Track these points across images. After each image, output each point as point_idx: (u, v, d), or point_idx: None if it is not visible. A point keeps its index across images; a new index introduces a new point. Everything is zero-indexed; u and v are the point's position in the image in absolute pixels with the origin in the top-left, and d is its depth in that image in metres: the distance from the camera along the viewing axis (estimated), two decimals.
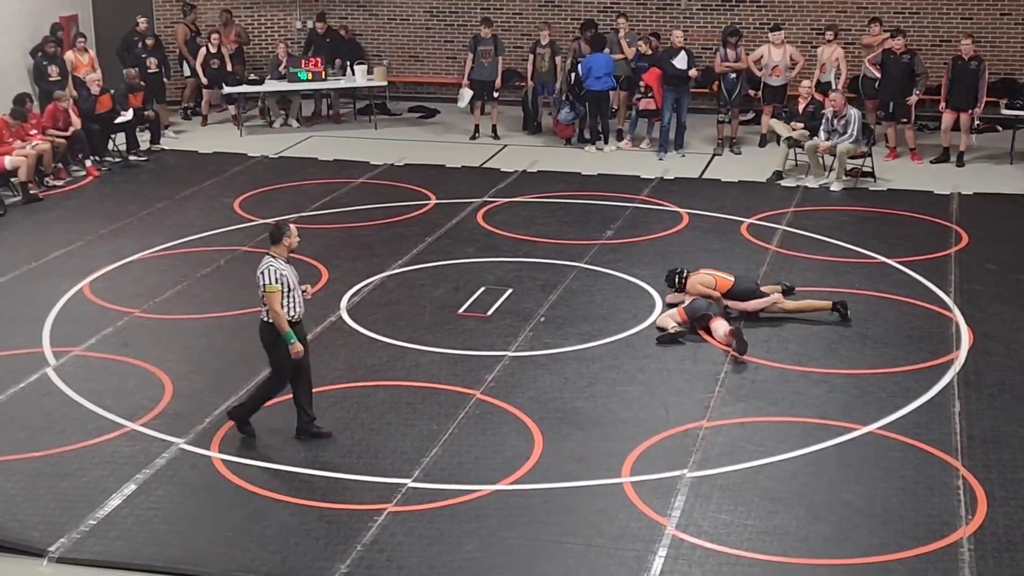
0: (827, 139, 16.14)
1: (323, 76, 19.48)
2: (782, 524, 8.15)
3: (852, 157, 16.16)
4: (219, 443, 9.30)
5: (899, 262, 13.12)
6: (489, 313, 11.83)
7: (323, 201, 15.60)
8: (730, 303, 11.52)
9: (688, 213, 14.92)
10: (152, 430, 9.52)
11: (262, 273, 8.99)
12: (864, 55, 17.79)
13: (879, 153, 17.15)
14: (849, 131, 15.98)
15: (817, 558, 7.77)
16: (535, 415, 9.69)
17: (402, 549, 7.89)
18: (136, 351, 11.03)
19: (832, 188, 16.05)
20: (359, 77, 19.62)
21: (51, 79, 17.97)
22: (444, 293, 12.40)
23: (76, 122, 16.89)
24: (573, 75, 18.00)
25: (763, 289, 11.74)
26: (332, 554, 7.84)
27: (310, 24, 21.56)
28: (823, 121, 16.20)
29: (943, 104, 17.03)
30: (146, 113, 18.11)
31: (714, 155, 17.91)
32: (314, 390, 9.88)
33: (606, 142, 18.33)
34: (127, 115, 17.55)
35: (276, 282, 8.95)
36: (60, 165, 16.71)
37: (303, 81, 19.42)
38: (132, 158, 17.66)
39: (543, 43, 18.80)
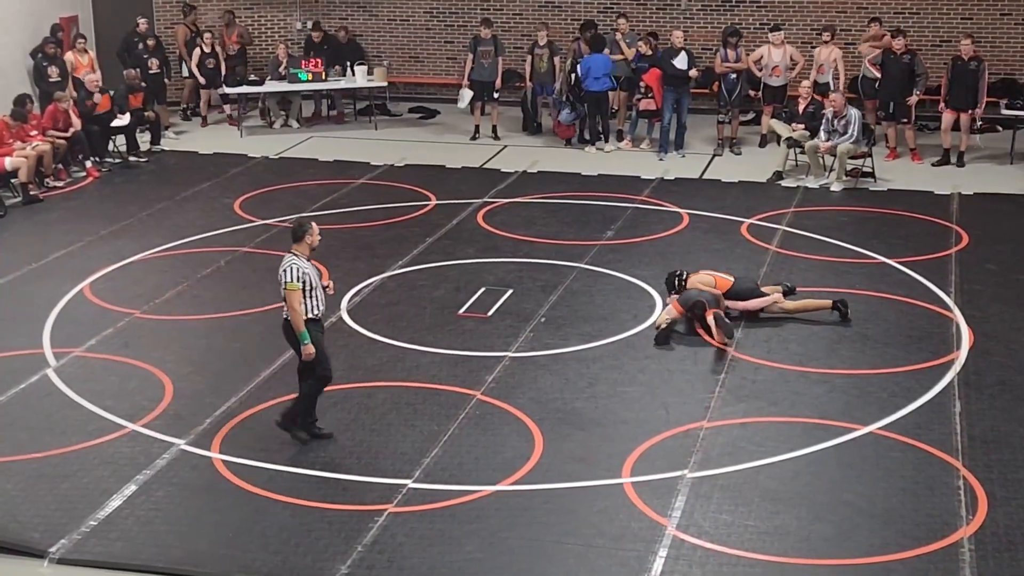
0: (827, 139, 16.14)
1: (323, 77, 19.49)
2: (783, 524, 8.15)
3: (852, 157, 16.17)
4: (219, 444, 9.30)
5: (899, 262, 13.12)
6: (489, 314, 11.83)
7: (323, 202, 15.61)
8: (730, 303, 11.52)
9: (688, 213, 14.92)
10: (153, 431, 9.52)
11: (285, 271, 8.97)
12: (867, 55, 17.76)
13: (879, 153, 17.15)
14: (849, 131, 15.99)
15: (818, 558, 7.77)
16: (536, 416, 9.69)
17: (403, 550, 7.89)
18: (136, 352, 11.03)
19: (832, 188, 16.05)
20: (359, 78, 19.63)
21: (51, 80, 17.97)
22: (444, 294, 12.40)
23: (76, 123, 16.90)
24: (573, 76, 18.00)
25: (763, 289, 11.74)
26: (332, 555, 7.84)
27: (309, 25, 21.58)
28: (823, 121, 16.20)
29: (942, 105, 17.03)
30: (146, 114, 18.11)
31: (714, 155, 17.91)
32: None
33: (606, 142, 18.33)
34: (123, 119, 17.53)
35: (298, 280, 8.94)
36: (60, 166, 16.71)
37: (303, 82, 19.43)
38: (132, 159, 17.66)
39: (541, 44, 18.81)
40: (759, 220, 14.65)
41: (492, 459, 9.03)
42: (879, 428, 9.44)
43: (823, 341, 11.16)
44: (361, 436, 9.40)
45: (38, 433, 9.52)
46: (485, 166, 17.49)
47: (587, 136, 18.44)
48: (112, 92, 17.71)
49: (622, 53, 18.37)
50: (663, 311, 11.41)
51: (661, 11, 20.42)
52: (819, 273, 12.80)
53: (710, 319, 11.09)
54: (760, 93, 18.15)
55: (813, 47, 18.57)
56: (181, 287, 12.66)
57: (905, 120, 17.35)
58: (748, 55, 18.10)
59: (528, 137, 19.21)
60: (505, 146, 18.63)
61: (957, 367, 10.52)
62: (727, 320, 10.84)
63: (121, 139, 17.74)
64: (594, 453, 9.12)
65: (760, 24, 19.79)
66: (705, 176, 16.90)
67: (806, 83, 17.17)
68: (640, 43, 18.20)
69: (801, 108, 16.86)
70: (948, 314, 11.71)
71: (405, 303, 12.22)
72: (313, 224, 9.25)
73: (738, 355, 10.82)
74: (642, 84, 17.94)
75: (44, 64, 18.14)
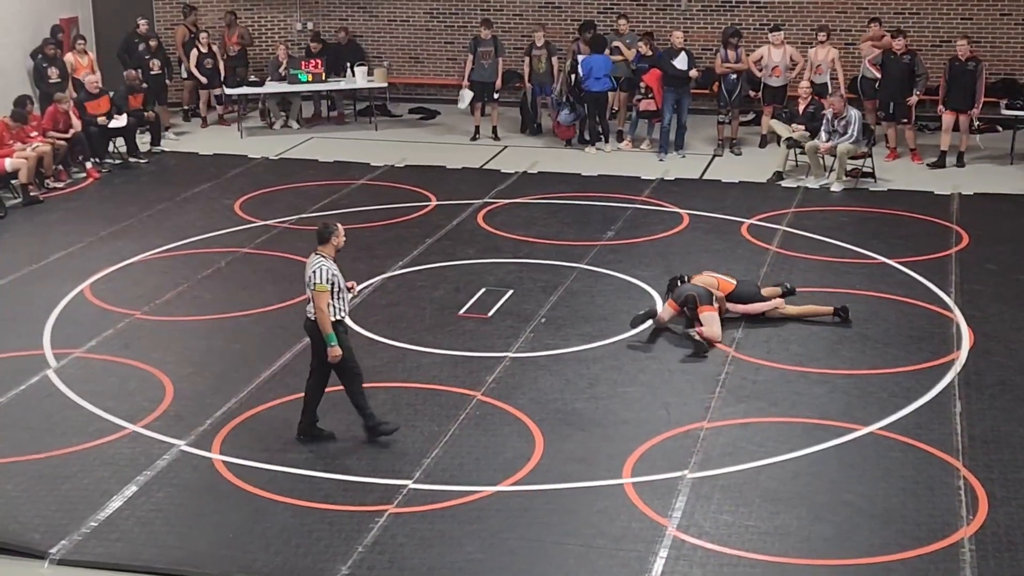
0: (827, 140, 16.14)
1: (323, 78, 19.49)
2: (783, 524, 8.15)
3: (852, 158, 16.16)
4: (220, 444, 9.30)
5: (900, 262, 13.12)
6: (490, 314, 11.84)
7: (324, 203, 15.61)
8: (731, 306, 11.51)
9: (688, 214, 14.92)
10: (153, 432, 9.52)
11: (315, 272, 8.95)
12: (867, 55, 17.76)
13: (879, 153, 17.15)
14: (849, 132, 15.99)
15: (818, 558, 7.77)
16: (536, 416, 9.69)
17: (403, 550, 7.89)
18: (137, 353, 11.03)
19: (832, 189, 16.05)
20: (359, 78, 19.64)
21: (51, 81, 17.98)
22: (445, 294, 12.40)
23: (76, 124, 16.90)
24: (573, 76, 18.00)
25: (764, 292, 11.74)
26: (333, 555, 7.84)
27: (310, 25, 21.60)
28: (823, 122, 16.20)
29: (941, 106, 17.01)
30: (146, 115, 18.11)
31: (714, 156, 17.91)
32: None
33: (606, 143, 18.33)
34: (120, 120, 17.51)
35: (327, 282, 8.94)
36: (60, 167, 16.71)
37: (303, 83, 19.43)
38: (132, 160, 17.65)
39: (538, 44, 18.82)
40: (759, 220, 14.65)
41: (492, 460, 9.03)
42: (879, 428, 9.44)
43: (823, 341, 11.16)
44: (361, 437, 9.39)
45: (38, 434, 9.52)
46: (485, 167, 17.49)
47: (587, 136, 18.44)
48: (112, 93, 17.71)
49: (621, 54, 18.35)
50: (661, 311, 11.39)
51: (661, 11, 20.43)
52: (819, 273, 12.80)
53: (703, 315, 11.08)
54: (760, 93, 18.15)
55: (813, 47, 18.55)
56: (181, 288, 12.66)
57: (905, 120, 17.35)
58: (748, 55, 18.10)
59: (528, 138, 19.21)
60: (505, 147, 18.63)
61: (957, 367, 10.52)
62: (703, 340, 10.88)
63: (121, 140, 17.72)
64: (594, 453, 9.12)
65: (760, 24, 19.79)
66: (705, 176, 16.90)
67: (805, 83, 17.16)
68: (640, 43, 18.21)
69: (801, 108, 16.85)
70: (948, 314, 11.71)
71: (405, 304, 12.22)
72: (339, 225, 9.25)
73: (739, 355, 10.83)
74: (642, 84, 17.95)
75: (44, 65, 18.15)
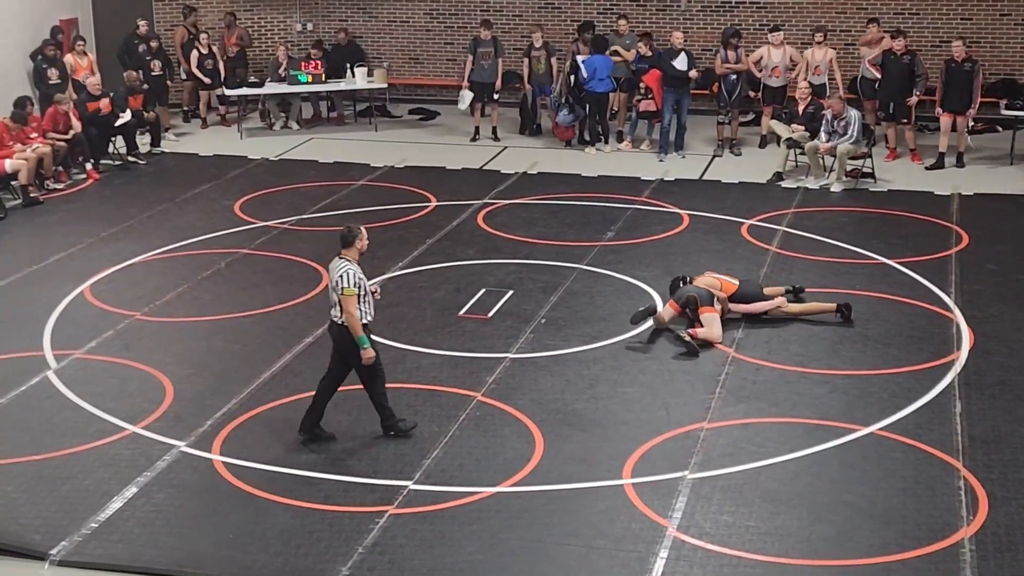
0: (827, 140, 16.14)
1: (323, 79, 19.50)
2: (784, 525, 8.15)
3: (852, 158, 16.16)
4: (220, 445, 9.30)
5: (900, 263, 13.12)
6: (490, 315, 11.84)
7: (323, 203, 15.61)
8: (734, 306, 11.51)
9: (688, 214, 14.92)
10: (153, 433, 9.52)
11: (342, 276, 8.95)
12: (866, 55, 17.76)
13: (879, 154, 17.16)
14: (849, 132, 15.98)
15: (819, 559, 7.77)
16: (536, 417, 9.69)
17: (403, 551, 7.89)
18: (137, 354, 11.03)
19: (832, 189, 16.05)
20: (359, 79, 19.65)
21: (51, 82, 17.98)
22: (445, 295, 12.40)
23: (76, 125, 16.90)
24: (572, 77, 18.00)
25: (767, 291, 11.71)
26: (333, 556, 7.84)
27: (310, 27, 21.61)
28: (823, 122, 16.20)
29: (938, 108, 16.99)
30: (146, 115, 18.12)
31: (714, 156, 17.91)
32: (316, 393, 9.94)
33: (606, 143, 18.34)
34: (125, 116, 17.54)
35: (355, 285, 8.95)
36: (60, 168, 16.72)
37: (303, 84, 19.44)
38: (131, 159, 17.64)
39: (537, 45, 18.82)
40: (759, 221, 14.65)
41: (493, 460, 9.03)
42: (880, 429, 9.44)
43: (824, 342, 11.16)
44: (362, 438, 9.40)
45: (39, 435, 9.51)
46: (485, 167, 17.49)
47: (587, 137, 18.44)
48: (112, 94, 17.71)
49: (620, 55, 18.34)
50: (662, 311, 11.40)
51: (661, 12, 20.43)
52: (819, 274, 12.80)
53: (704, 316, 11.09)
54: (760, 94, 18.15)
55: (808, 48, 18.50)
56: (181, 289, 12.66)
57: (905, 121, 17.35)
58: (748, 56, 18.10)
59: (528, 138, 19.22)
60: (505, 147, 18.64)
61: (958, 367, 10.52)
62: (692, 341, 10.89)
63: (121, 141, 17.73)
64: (595, 454, 9.12)
65: (760, 25, 19.79)
66: (705, 177, 16.90)
67: (804, 84, 17.15)
68: (640, 44, 18.21)
69: (801, 109, 16.85)
70: (948, 314, 11.70)
71: (405, 304, 12.22)
72: (362, 228, 9.28)
73: (739, 356, 10.83)
74: (642, 85, 17.95)
75: (44, 66, 18.15)
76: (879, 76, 17.38)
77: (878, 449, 9.16)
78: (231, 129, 19.88)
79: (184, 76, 20.26)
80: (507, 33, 20.74)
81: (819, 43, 17.77)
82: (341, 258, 9.12)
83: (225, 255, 13.66)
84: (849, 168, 16.22)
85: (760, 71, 17.96)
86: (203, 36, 19.80)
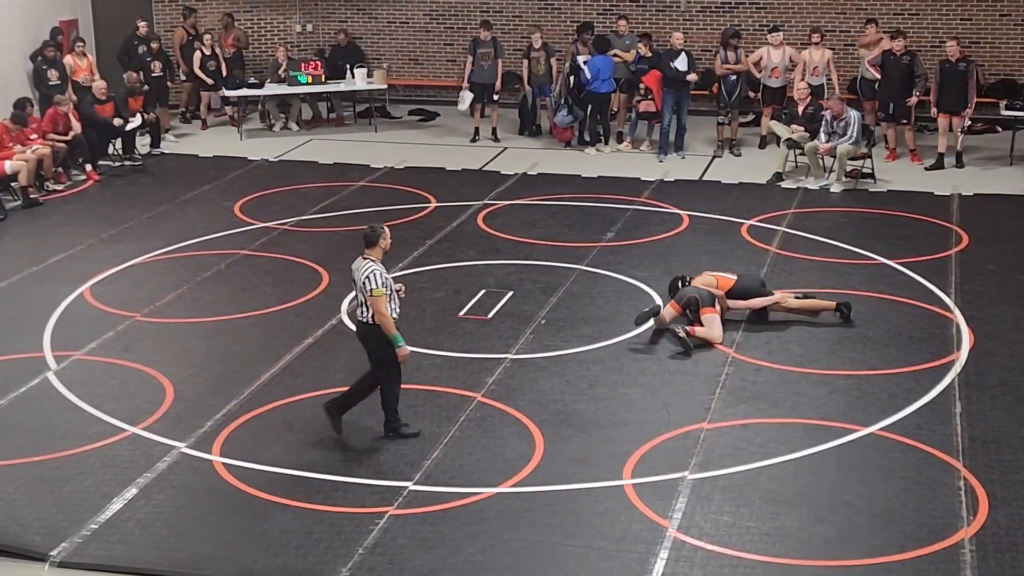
0: (827, 141, 16.14)
1: (323, 80, 19.50)
2: (784, 525, 8.15)
3: (852, 158, 16.16)
4: (220, 447, 9.30)
5: (900, 263, 13.12)
6: (490, 316, 11.84)
7: (323, 204, 15.61)
8: (733, 303, 11.50)
9: (688, 215, 14.92)
10: (153, 434, 9.52)
11: (368, 278, 8.94)
12: (866, 56, 17.76)
13: (879, 154, 17.16)
14: (849, 133, 15.98)
15: (819, 559, 7.77)
16: (536, 417, 9.69)
17: (403, 552, 7.89)
18: (137, 355, 11.03)
19: (832, 189, 16.05)
20: (359, 80, 19.66)
21: (51, 83, 17.98)
22: (445, 296, 12.40)
23: (76, 126, 16.90)
24: (572, 78, 17.99)
25: (778, 294, 11.64)
26: (333, 557, 7.84)
27: (309, 27, 21.61)
28: (823, 123, 16.20)
29: (934, 109, 16.97)
30: (146, 117, 18.11)
31: (714, 157, 17.91)
32: (316, 393, 9.93)
33: (606, 143, 18.34)
34: (135, 121, 17.58)
35: (383, 285, 8.95)
36: (60, 169, 16.72)
37: (303, 85, 19.44)
38: (128, 163, 17.63)
39: (536, 46, 18.82)
40: (759, 221, 14.66)
41: (493, 461, 9.03)
42: (880, 429, 9.44)
43: (824, 342, 11.16)
44: (362, 438, 9.40)
45: (39, 436, 9.51)
46: (485, 168, 17.49)
47: (587, 138, 18.44)
48: (113, 95, 17.71)
49: (619, 56, 18.34)
50: (663, 311, 11.40)
51: (660, 13, 20.43)
52: (819, 274, 12.80)
53: (705, 317, 11.10)
54: (759, 94, 18.15)
55: (806, 49, 18.48)
56: (181, 290, 12.66)
57: (905, 121, 17.34)
58: (747, 56, 18.09)
59: (528, 139, 19.22)
60: (505, 148, 18.64)
61: (958, 368, 10.52)
62: (685, 338, 10.89)
63: (120, 142, 17.71)
64: (595, 455, 9.12)
65: (759, 25, 19.78)
66: (705, 178, 16.90)
67: (802, 84, 17.16)
68: (639, 44, 18.21)
69: (800, 109, 16.85)
70: (948, 315, 11.71)
71: (405, 305, 12.03)
72: (385, 228, 9.26)
73: (739, 356, 10.83)
74: (641, 86, 17.95)
75: (44, 67, 18.14)
76: (879, 77, 17.37)
77: (878, 449, 9.16)
78: (231, 130, 19.88)
79: (184, 77, 20.26)
80: (507, 34, 20.74)
81: (816, 44, 17.76)
82: (365, 258, 9.11)
83: (225, 256, 13.66)
84: (849, 168, 16.22)
85: (759, 72, 17.96)
86: (207, 37, 19.80)
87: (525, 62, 18.95)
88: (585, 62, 17.74)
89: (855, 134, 15.99)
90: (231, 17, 20.79)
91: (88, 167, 16.91)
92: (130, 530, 8.19)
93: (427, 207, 15.45)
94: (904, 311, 11.85)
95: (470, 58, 18.92)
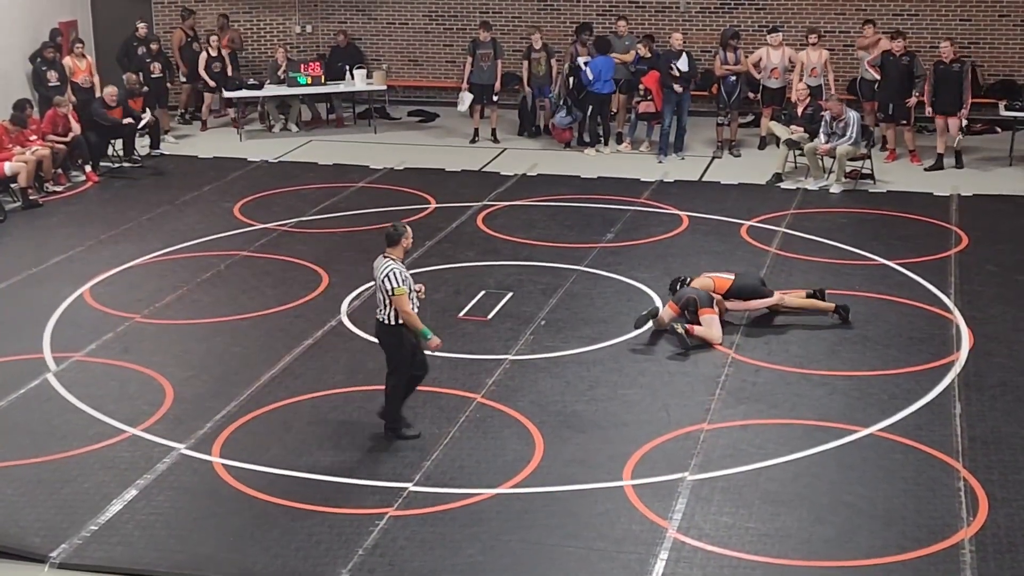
0: (826, 141, 16.14)
1: (322, 81, 19.50)
2: (783, 526, 8.15)
3: (851, 159, 16.17)
4: (220, 448, 9.30)
5: (899, 263, 13.12)
6: (489, 317, 11.84)
7: (323, 205, 15.61)
8: (732, 304, 11.50)
9: (688, 216, 14.93)
10: (153, 435, 9.52)
11: (387, 277, 8.95)
12: (865, 57, 17.76)
13: (878, 155, 17.16)
14: (848, 133, 15.98)
15: (819, 560, 7.77)
16: (536, 418, 9.69)
17: (403, 553, 7.89)
18: (137, 356, 11.03)
19: (831, 190, 16.05)
20: (358, 81, 19.66)
21: (50, 84, 17.99)
22: (444, 297, 12.40)
23: (75, 127, 16.90)
24: (571, 79, 17.99)
25: (777, 295, 11.62)
26: (334, 558, 7.83)
27: (309, 29, 21.60)
28: (822, 123, 16.20)
29: (929, 110, 16.96)
30: (154, 113, 18.13)
31: (714, 158, 17.92)
32: (316, 395, 9.93)
33: (606, 144, 18.34)
34: (147, 116, 17.62)
35: (403, 283, 8.95)
36: (60, 171, 16.72)
37: (302, 86, 19.44)
38: (127, 164, 17.63)
39: (536, 47, 18.82)
40: (759, 222, 14.66)
41: (493, 462, 9.03)
42: (879, 430, 9.44)
43: (823, 343, 11.16)
44: (362, 440, 9.40)
45: (39, 438, 9.51)
46: (484, 169, 17.49)
47: (586, 138, 18.44)
48: (120, 99, 17.71)
49: (617, 58, 18.34)
50: (662, 312, 11.41)
51: (660, 14, 20.43)
52: (819, 275, 12.80)
53: (704, 317, 11.10)
54: (759, 95, 18.15)
55: (803, 50, 18.47)
56: (181, 291, 12.66)
57: (904, 122, 17.34)
58: (747, 57, 18.09)
59: (527, 140, 19.22)
60: (504, 149, 18.64)
61: (957, 368, 10.52)
62: (683, 334, 10.89)
63: (120, 144, 17.72)
64: (595, 456, 9.11)
65: (759, 26, 19.78)
66: (704, 178, 16.91)
67: (801, 85, 17.16)
68: (639, 45, 18.21)
69: (800, 110, 16.85)
70: (948, 315, 11.71)
71: None
72: (408, 227, 9.26)
73: (738, 357, 10.83)
74: (641, 87, 17.95)
75: (43, 69, 18.15)
76: (878, 77, 17.37)
77: (878, 450, 9.16)
78: (230, 131, 19.87)
79: (183, 79, 20.26)
80: (506, 35, 20.73)
81: (813, 44, 17.75)
82: (386, 257, 9.11)
83: (224, 257, 13.66)
84: (848, 169, 16.22)
85: (759, 73, 17.96)
86: (213, 38, 19.79)
87: (525, 63, 18.95)
88: (586, 63, 17.74)
89: (854, 135, 15.99)
90: (226, 18, 20.79)
91: (88, 168, 16.92)
92: (130, 531, 8.19)
93: (427, 208, 15.45)
94: (904, 312, 11.85)
95: (469, 59, 18.92)
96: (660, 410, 9.85)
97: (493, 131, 19.14)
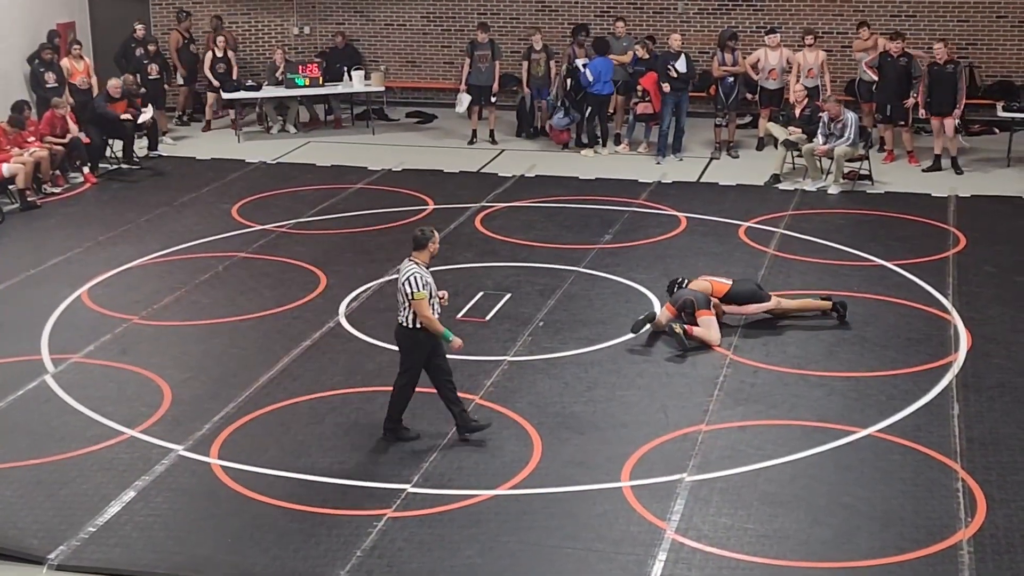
0: (824, 142, 16.15)
1: (320, 82, 19.50)
2: (782, 527, 8.15)
3: (849, 160, 16.17)
4: (218, 449, 9.30)
5: (897, 264, 13.12)
6: (488, 318, 11.83)
7: (321, 207, 15.61)
8: (729, 308, 11.49)
9: (686, 217, 14.93)
10: (151, 437, 9.51)
11: (408, 282, 8.94)
12: (863, 58, 17.77)
13: (876, 156, 17.16)
14: (846, 134, 15.99)
15: (817, 561, 7.77)
16: (534, 420, 9.69)
17: (402, 555, 7.89)
18: (135, 358, 11.02)
19: (830, 191, 16.06)
20: (356, 82, 19.66)
21: (48, 86, 17.99)
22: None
23: (74, 129, 16.90)
24: (569, 80, 17.99)
25: (774, 299, 11.61)
26: (332, 560, 7.83)
27: (307, 30, 21.60)
28: (820, 124, 16.20)
29: (923, 111, 16.95)
30: (153, 111, 18.13)
31: (712, 159, 17.92)
32: (314, 396, 9.93)
33: (604, 145, 18.34)
34: (147, 112, 17.61)
35: (424, 288, 8.94)
36: (58, 172, 16.71)
37: (300, 87, 19.44)
38: (125, 166, 17.62)
39: (536, 48, 18.82)
40: (757, 223, 14.66)
41: (491, 463, 9.03)
42: (878, 431, 9.44)
43: (821, 344, 11.16)
44: (360, 441, 9.40)
45: (37, 439, 9.50)
46: (483, 170, 17.49)
47: (584, 139, 18.45)
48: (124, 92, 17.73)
49: (615, 59, 18.34)
50: (659, 314, 11.41)
51: (658, 15, 20.43)
52: (817, 276, 12.81)
53: (701, 319, 11.10)
54: (757, 96, 18.15)
55: (800, 51, 18.48)
56: (179, 293, 12.65)
57: (902, 123, 17.35)
58: (745, 58, 18.10)
59: (525, 141, 19.22)
60: (503, 150, 18.64)
61: (955, 369, 10.52)
62: (680, 333, 10.90)
63: (118, 145, 17.71)
64: (593, 457, 9.11)
65: (757, 27, 19.79)
66: (703, 180, 16.91)
67: (800, 86, 17.16)
68: (637, 47, 18.22)
69: (798, 111, 16.86)
70: (946, 316, 11.71)
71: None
72: (435, 232, 9.25)
73: (737, 358, 10.83)
74: (639, 88, 17.96)
75: (41, 70, 18.15)
76: (876, 78, 17.37)
77: (876, 451, 9.16)
78: (228, 133, 19.87)
79: (181, 80, 20.25)
80: (504, 36, 20.73)
81: (809, 45, 17.76)
82: (411, 260, 9.10)
83: (223, 259, 13.65)
84: (846, 170, 16.22)
85: (757, 74, 17.97)
86: (220, 39, 19.77)
87: (525, 64, 18.96)
88: (585, 65, 17.74)
89: (852, 136, 16.00)
90: (220, 19, 20.78)
91: (86, 170, 16.91)
92: (128, 533, 8.18)
93: (425, 209, 15.45)
94: (902, 313, 11.85)
95: (467, 60, 18.92)
96: (658, 411, 9.85)
97: (491, 132, 19.15)
